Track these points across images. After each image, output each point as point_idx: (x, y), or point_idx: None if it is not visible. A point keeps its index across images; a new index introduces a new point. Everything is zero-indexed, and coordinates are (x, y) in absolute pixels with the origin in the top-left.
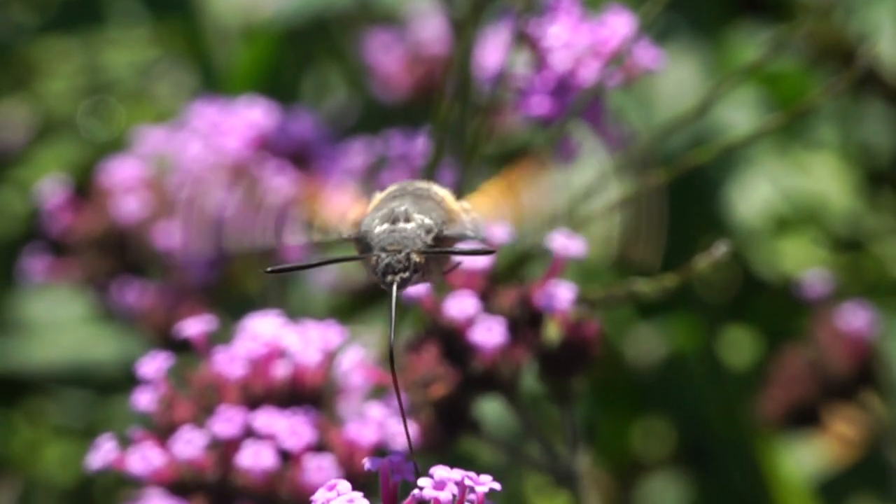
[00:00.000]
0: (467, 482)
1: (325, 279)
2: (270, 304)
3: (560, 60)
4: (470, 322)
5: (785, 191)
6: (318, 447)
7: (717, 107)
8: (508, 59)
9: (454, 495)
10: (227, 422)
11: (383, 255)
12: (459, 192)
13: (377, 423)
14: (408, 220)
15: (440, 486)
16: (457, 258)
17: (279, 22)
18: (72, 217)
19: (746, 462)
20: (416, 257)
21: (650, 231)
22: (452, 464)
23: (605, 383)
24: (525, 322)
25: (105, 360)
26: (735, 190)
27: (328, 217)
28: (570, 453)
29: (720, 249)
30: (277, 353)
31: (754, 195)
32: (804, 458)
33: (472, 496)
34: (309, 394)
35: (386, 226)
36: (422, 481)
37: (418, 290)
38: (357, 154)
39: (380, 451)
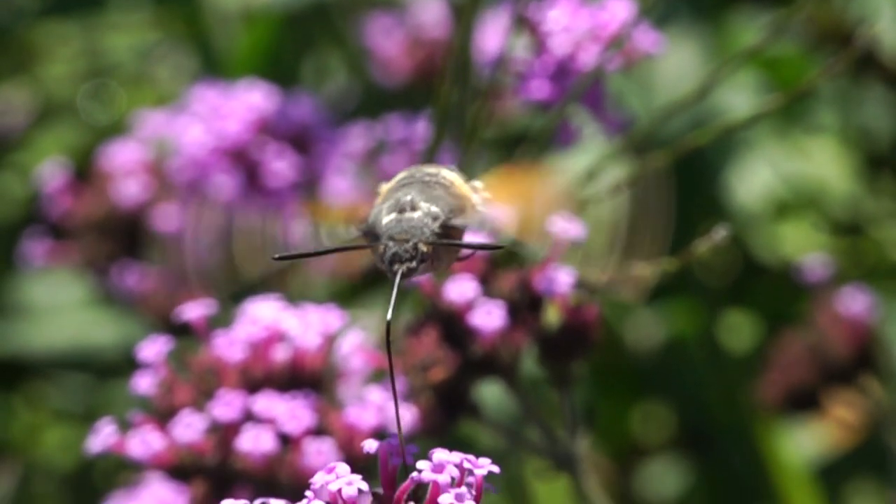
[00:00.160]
0: (466, 465)
1: (326, 264)
2: (271, 288)
3: (559, 44)
4: (469, 306)
5: (785, 175)
6: (318, 431)
7: (717, 91)
8: (508, 44)
9: (453, 478)
10: (226, 406)
11: (391, 244)
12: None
13: (377, 407)
14: (414, 208)
15: (439, 468)
16: (465, 250)
17: (279, 5)
18: (72, 201)
19: (746, 446)
20: (423, 247)
21: (655, 219)
22: (452, 447)
23: (605, 367)
24: (525, 306)
25: (105, 343)
26: (735, 174)
27: (336, 221)
28: (569, 437)
29: (720, 233)
30: (277, 337)
31: (754, 179)
32: (804, 443)
33: (470, 479)
34: (309, 377)
35: (393, 215)
36: (420, 464)
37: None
38: (357, 138)
39: (379, 434)
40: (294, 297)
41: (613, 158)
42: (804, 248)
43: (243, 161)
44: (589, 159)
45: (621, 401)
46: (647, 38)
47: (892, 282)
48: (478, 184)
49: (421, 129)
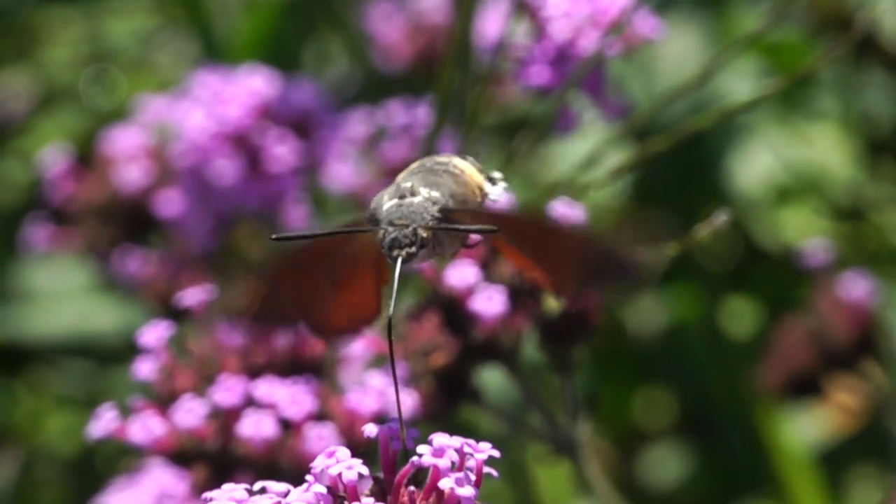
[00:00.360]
0: (466, 449)
1: None
2: None
3: (559, 30)
4: (470, 291)
5: (786, 161)
6: (319, 416)
7: (718, 76)
8: (508, 29)
9: (453, 462)
10: (227, 391)
11: (390, 228)
12: None
13: (378, 392)
14: (414, 194)
15: (439, 453)
16: (469, 240)
17: None
18: (74, 186)
19: (747, 431)
20: (422, 232)
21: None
22: (453, 432)
23: (606, 353)
24: (525, 291)
25: (107, 329)
26: (736, 160)
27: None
28: (570, 422)
29: (720, 218)
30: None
31: (755, 165)
32: (805, 428)
33: (471, 463)
34: (309, 363)
35: (394, 201)
36: (421, 448)
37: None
38: (358, 123)
39: (380, 419)
40: None
41: (614, 144)
42: (805, 234)
43: (245, 146)
44: (589, 145)
45: (623, 386)
46: (646, 24)
47: (893, 267)
48: (497, 174)
49: (422, 114)
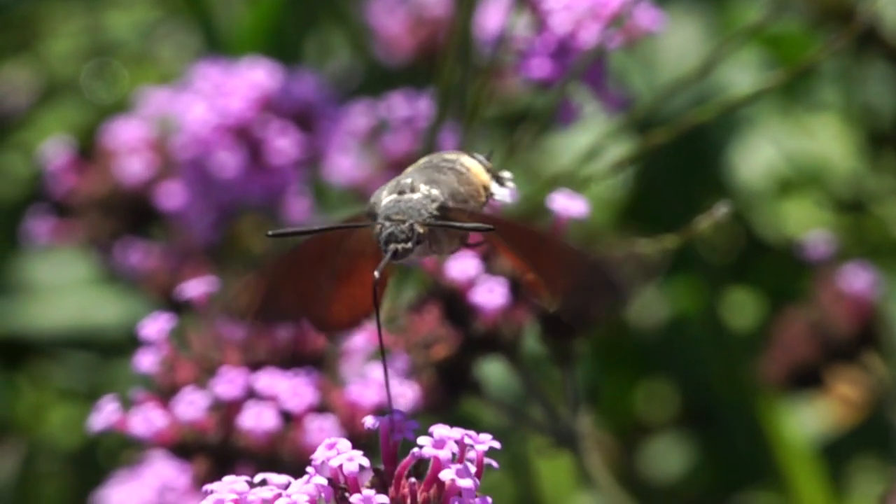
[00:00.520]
0: (467, 441)
1: None
2: None
3: (560, 23)
4: (471, 283)
5: (787, 153)
6: (320, 408)
7: (720, 68)
8: (509, 22)
9: (454, 454)
10: (228, 383)
11: (387, 223)
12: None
13: (379, 385)
14: (413, 190)
15: (440, 444)
16: (469, 240)
17: None
18: (75, 179)
19: (749, 424)
20: (418, 227)
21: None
22: (454, 425)
23: (608, 345)
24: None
25: (109, 322)
26: (738, 152)
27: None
28: (571, 415)
29: (721, 210)
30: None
31: (757, 157)
32: (807, 420)
33: (471, 455)
34: (311, 355)
35: (393, 196)
36: (421, 440)
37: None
38: (360, 116)
39: (381, 411)
40: None
41: (615, 136)
42: (807, 226)
43: (246, 139)
44: (590, 137)
45: (624, 378)
46: (647, 16)
47: (894, 259)
48: (506, 174)
49: (423, 107)
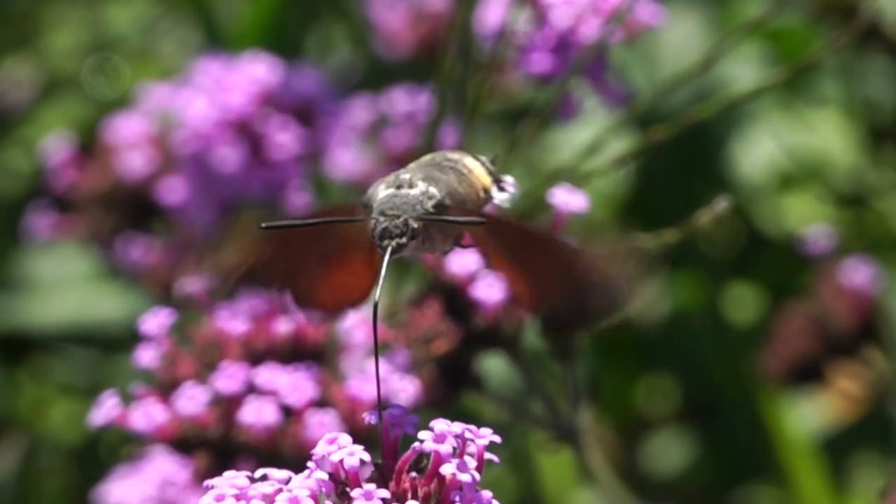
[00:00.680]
0: (468, 435)
1: None
2: None
3: (560, 17)
4: (472, 278)
5: (788, 147)
6: (321, 403)
7: (721, 63)
8: (510, 17)
9: (454, 448)
10: (229, 378)
11: (381, 218)
12: (461, 148)
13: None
14: (412, 186)
15: (440, 439)
16: (463, 240)
17: None
18: (76, 174)
19: (750, 418)
20: (413, 223)
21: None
22: (455, 420)
23: (609, 340)
24: None
25: (110, 317)
26: (739, 147)
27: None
28: (572, 410)
29: (721, 205)
30: (279, 309)
31: (758, 152)
32: (808, 415)
33: (472, 449)
34: (311, 350)
35: (389, 191)
36: (422, 434)
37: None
38: (360, 111)
39: (381, 406)
40: None
41: (616, 131)
42: (808, 220)
43: (247, 134)
44: (591, 133)
45: (626, 373)
46: (647, 11)
47: (895, 253)
48: (509, 179)
49: (424, 102)
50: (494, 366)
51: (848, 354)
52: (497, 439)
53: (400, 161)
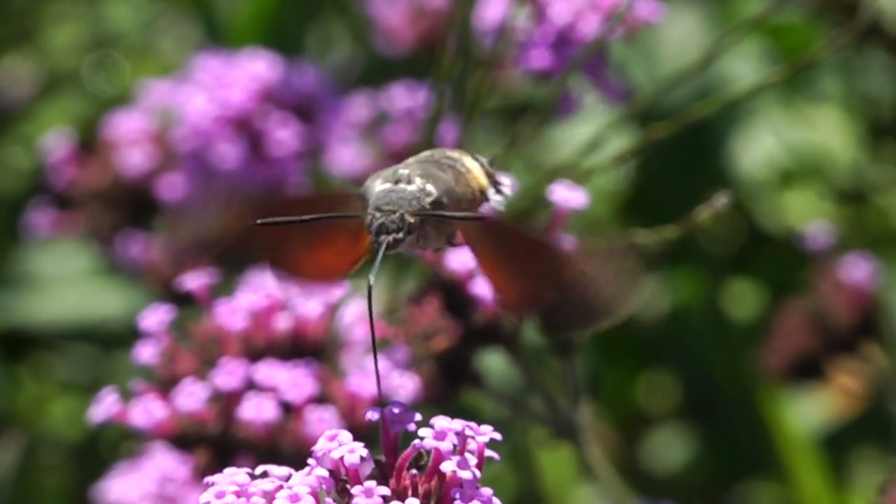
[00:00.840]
0: (468, 432)
1: None
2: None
3: (559, 13)
4: (471, 274)
5: (788, 144)
6: (320, 399)
7: (722, 60)
8: (509, 13)
9: (455, 445)
10: (228, 374)
11: (377, 214)
12: (461, 145)
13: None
14: (409, 182)
15: (441, 436)
16: (456, 240)
17: None
18: (76, 171)
19: (750, 415)
20: (409, 218)
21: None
22: (455, 416)
23: (609, 337)
24: None
25: (110, 314)
26: (739, 143)
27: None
28: (571, 406)
29: (720, 201)
30: (279, 306)
31: (758, 148)
32: (808, 411)
33: (472, 446)
34: (310, 346)
35: (386, 186)
36: (422, 431)
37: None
38: (360, 107)
39: (382, 403)
40: None
41: (616, 128)
42: (808, 217)
43: (247, 130)
44: (591, 129)
45: (626, 370)
46: (646, 7)
47: (894, 249)
48: (506, 181)
49: (424, 99)
50: (494, 362)
51: (847, 351)
52: (498, 436)
53: (399, 158)
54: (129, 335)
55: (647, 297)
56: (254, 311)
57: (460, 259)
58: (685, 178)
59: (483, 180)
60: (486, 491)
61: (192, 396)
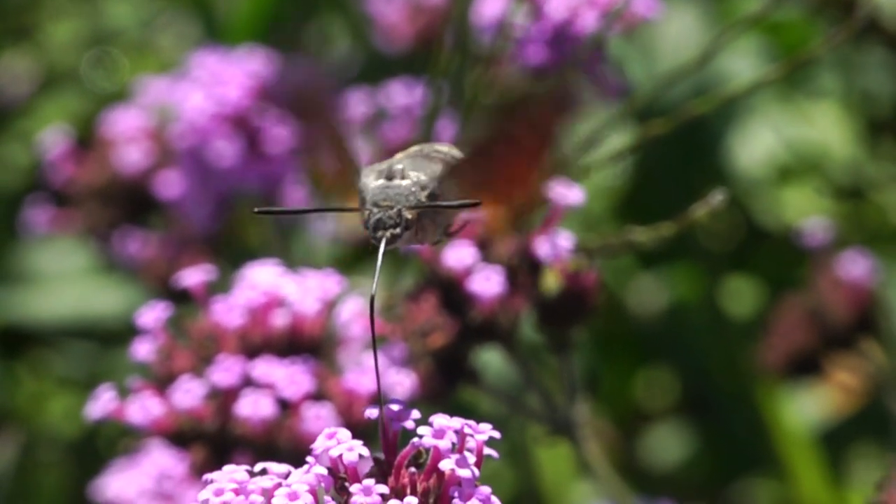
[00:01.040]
0: (467, 430)
1: (328, 229)
2: (273, 254)
3: (556, 9)
4: (468, 272)
5: (787, 140)
6: (317, 396)
7: (720, 56)
8: (507, 9)
9: (453, 443)
10: (225, 371)
11: (375, 210)
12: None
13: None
14: (404, 177)
15: (440, 434)
16: (455, 225)
17: None
18: (74, 168)
19: (748, 411)
20: (407, 214)
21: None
22: (452, 413)
23: (607, 333)
24: (523, 271)
25: (108, 311)
26: (737, 139)
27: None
28: (568, 403)
29: (717, 198)
30: (276, 303)
31: (756, 144)
32: (806, 407)
33: (471, 444)
34: (308, 343)
35: (381, 181)
36: (421, 429)
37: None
38: (358, 104)
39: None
40: (297, 263)
41: (614, 125)
42: (806, 213)
43: (244, 127)
44: (589, 126)
45: (624, 367)
46: (644, 3)
47: (893, 246)
48: None
49: (422, 95)
50: (491, 359)
51: (846, 347)
52: (496, 435)
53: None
54: (126, 332)
55: (644, 291)
56: (251, 307)
57: (457, 256)
58: (683, 175)
59: None
60: (485, 489)
61: (189, 393)
